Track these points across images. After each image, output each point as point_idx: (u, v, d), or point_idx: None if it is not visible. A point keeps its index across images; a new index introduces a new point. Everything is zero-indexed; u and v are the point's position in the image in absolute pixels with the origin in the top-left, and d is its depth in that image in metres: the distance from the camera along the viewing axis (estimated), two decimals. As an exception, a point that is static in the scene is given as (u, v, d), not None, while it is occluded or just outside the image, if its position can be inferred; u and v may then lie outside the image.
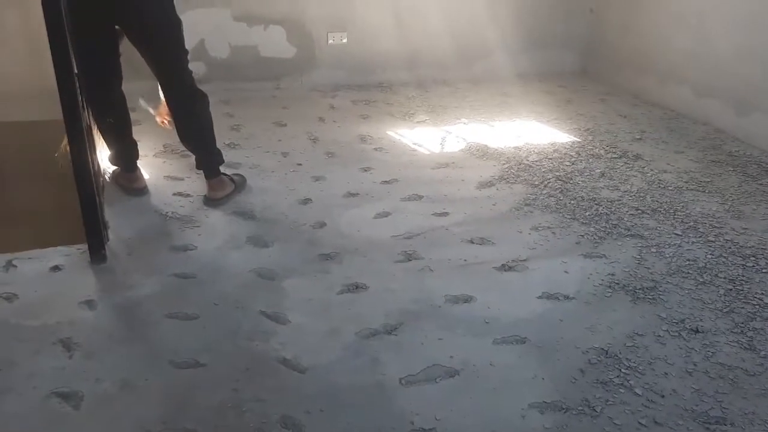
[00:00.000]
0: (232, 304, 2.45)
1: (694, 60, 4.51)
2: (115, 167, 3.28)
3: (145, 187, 3.25)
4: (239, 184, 3.32)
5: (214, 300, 2.47)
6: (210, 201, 3.17)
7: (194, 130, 3.12)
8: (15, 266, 2.61)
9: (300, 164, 3.64)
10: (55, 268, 2.60)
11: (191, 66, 3.01)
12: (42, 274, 2.57)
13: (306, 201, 3.25)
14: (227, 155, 3.66)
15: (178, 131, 3.13)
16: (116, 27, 2.89)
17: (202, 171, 3.22)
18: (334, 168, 3.62)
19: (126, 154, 3.22)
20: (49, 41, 2.26)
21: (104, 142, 3.22)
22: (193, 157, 3.24)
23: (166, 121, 3.35)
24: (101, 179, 3.24)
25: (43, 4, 2.21)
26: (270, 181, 3.43)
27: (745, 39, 4.11)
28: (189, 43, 3.14)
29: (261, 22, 4.59)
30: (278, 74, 4.74)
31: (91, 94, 2.94)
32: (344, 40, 4.82)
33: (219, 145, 3.75)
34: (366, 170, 3.62)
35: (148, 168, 3.42)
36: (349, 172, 3.59)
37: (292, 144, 3.89)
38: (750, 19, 4.07)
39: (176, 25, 2.90)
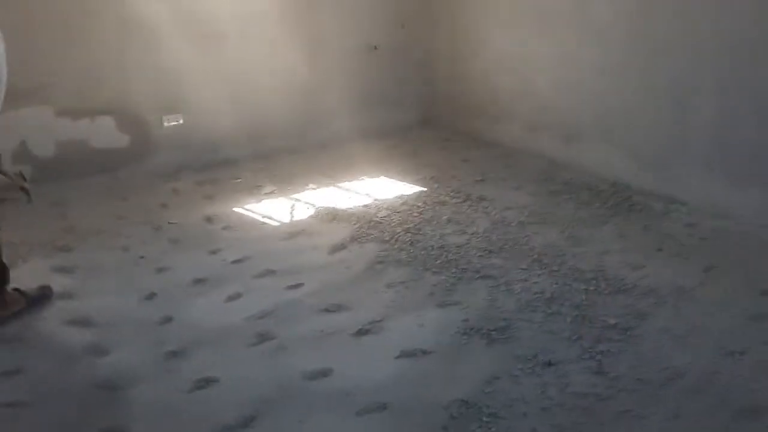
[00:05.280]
0: (70, 429, 2.23)
1: (521, 98, 4.77)
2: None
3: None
4: (35, 297, 2.96)
5: (49, 427, 2.24)
6: None
7: None
8: None
9: (142, 257, 3.44)
10: None
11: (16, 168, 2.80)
12: None
13: (150, 296, 3.06)
14: (60, 259, 3.43)
15: None
16: None
17: None
18: (180, 255, 3.46)
19: None
20: None
21: None
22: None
23: None
24: None
25: None
26: (109, 281, 3.21)
27: (561, 75, 4.42)
28: (9, 146, 2.91)
29: (86, 115, 4.38)
30: (114, 165, 4.51)
31: None
32: (180, 121, 4.70)
33: (49, 249, 3.55)
34: (214, 252, 3.48)
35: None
36: (196, 257, 3.44)
37: (134, 236, 3.68)
38: (562, 58, 4.39)
39: None
